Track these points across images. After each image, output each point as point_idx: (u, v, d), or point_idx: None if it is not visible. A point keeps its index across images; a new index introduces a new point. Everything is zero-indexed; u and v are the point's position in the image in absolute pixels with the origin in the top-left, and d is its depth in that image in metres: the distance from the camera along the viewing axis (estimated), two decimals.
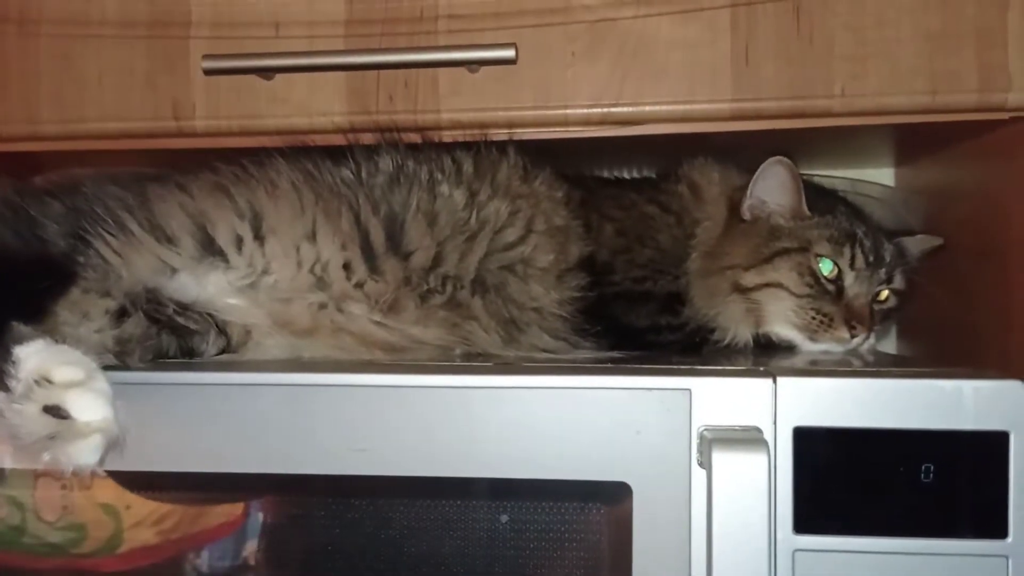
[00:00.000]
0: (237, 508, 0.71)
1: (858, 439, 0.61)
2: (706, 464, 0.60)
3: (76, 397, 0.59)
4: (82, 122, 0.85)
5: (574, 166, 0.96)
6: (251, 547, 0.70)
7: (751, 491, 0.59)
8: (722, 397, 0.62)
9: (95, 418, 0.59)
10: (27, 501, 0.70)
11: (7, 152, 0.87)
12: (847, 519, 0.61)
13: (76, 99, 0.85)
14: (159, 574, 0.71)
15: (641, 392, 0.63)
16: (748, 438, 0.61)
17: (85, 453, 0.59)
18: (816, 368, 0.75)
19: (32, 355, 0.61)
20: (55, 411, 0.59)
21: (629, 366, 0.71)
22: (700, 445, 0.62)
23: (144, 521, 0.70)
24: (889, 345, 1.07)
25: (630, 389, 0.63)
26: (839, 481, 0.61)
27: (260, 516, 0.71)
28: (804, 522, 0.61)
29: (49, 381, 0.60)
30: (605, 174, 1.06)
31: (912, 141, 0.93)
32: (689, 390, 0.62)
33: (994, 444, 0.61)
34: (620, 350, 0.83)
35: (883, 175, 1.11)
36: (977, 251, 0.86)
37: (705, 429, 0.62)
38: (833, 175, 1.05)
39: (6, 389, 0.60)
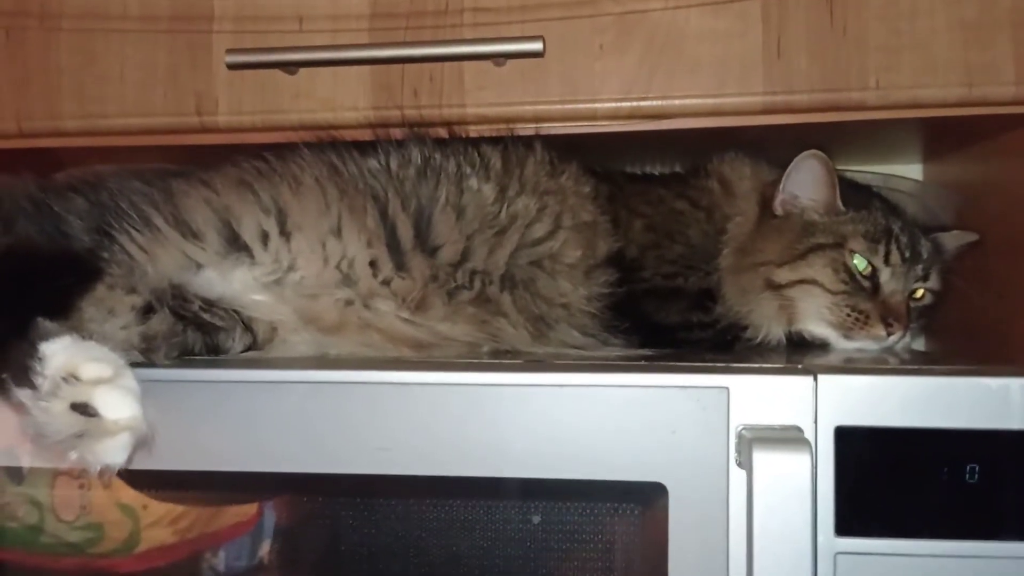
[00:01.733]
0: (255, 507, 0.70)
1: (901, 439, 0.60)
2: (745, 464, 0.59)
3: (104, 394, 0.58)
4: (104, 118, 0.85)
5: (601, 161, 0.95)
6: (270, 547, 0.69)
7: (792, 492, 0.58)
8: (761, 396, 0.61)
9: (123, 416, 0.58)
10: (45, 501, 0.70)
11: (29, 148, 0.87)
12: (890, 521, 0.60)
13: (98, 94, 0.84)
14: (176, 574, 0.71)
15: (677, 391, 0.62)
16: (789, 438, 0.59)
17: (113, 452, 0.58)
18: (858, 366, 0.73)
19: (59, 351, 0.60)
20: (83, 408, 0.58)
21: (664, 364, 0.70)
22: (739, 445, 0.60)
23: (161, 520, 0.70)
24: (916, 342, 1.05)
25: (665, 387, 0.62)
26: (882, 482, 0.60)
27: (280, 515, 0.70)
28: (846, 524, 0.60)
29: (77, 378, 0.58)
30: (631, 169, 1.04)
31: (942, 135, 0.92)
32: (727, 388, 0.61)
33: None
34: (650, 347, 0.83)
35: (911, 171, 1.09)
36: (1008, 247, 0.85)
37: (744, 428, 0.61)
38: (861, 170, 1.04)
39: (32, 386, 0.59)
